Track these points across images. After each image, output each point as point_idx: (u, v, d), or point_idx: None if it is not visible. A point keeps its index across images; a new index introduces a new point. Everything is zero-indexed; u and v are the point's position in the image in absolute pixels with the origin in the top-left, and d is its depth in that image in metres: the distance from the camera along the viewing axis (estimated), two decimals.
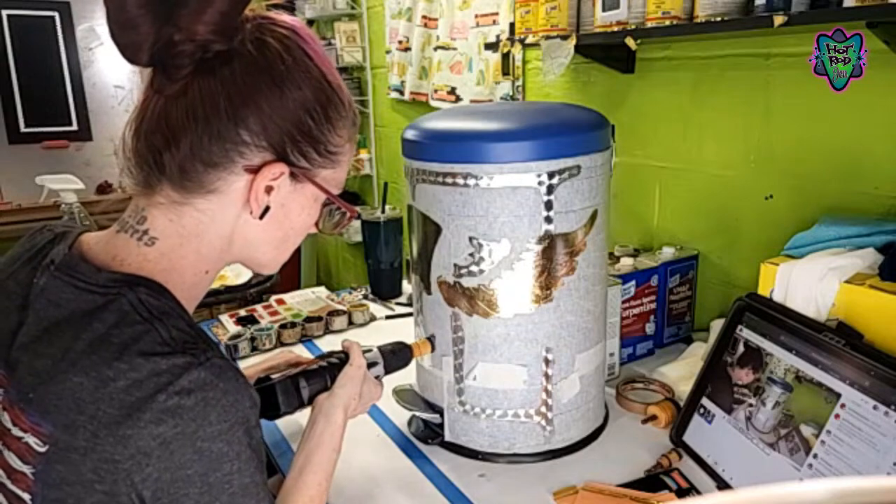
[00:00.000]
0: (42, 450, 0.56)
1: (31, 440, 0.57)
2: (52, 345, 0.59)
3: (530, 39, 1.47)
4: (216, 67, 0.62)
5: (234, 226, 0.67)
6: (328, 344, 1.43)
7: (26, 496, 0.57)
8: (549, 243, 0.90)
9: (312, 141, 0.67)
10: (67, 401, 0.56)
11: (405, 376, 1.14)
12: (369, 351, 0.95)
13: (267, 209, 0.67)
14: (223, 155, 0.63)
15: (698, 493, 0.91)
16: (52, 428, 0.56)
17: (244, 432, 0.59)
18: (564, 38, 1.39)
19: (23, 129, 3.60)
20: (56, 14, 3.61)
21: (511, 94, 1.98)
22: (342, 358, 0.91)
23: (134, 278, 0.62)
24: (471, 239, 0.91)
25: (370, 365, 0.93)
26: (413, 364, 1.10)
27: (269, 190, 0.66)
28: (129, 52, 0.60)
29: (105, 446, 0.54)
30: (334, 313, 1.53)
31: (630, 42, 1.25)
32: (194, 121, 0.61)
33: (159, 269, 0.64)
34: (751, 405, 0.91)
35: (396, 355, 0.98)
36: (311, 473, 0.78)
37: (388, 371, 0.97)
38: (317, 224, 0.74)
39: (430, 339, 1.01)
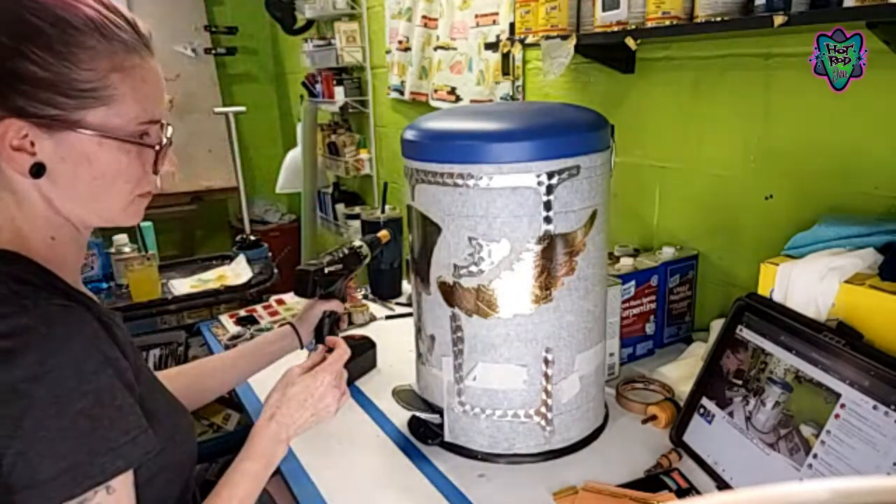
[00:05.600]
0: None
1: None
2: None
3: (530, 39, 1.47)
4: None
5: (32, 191, 0.66)
6: None
7: None
8: (548, 243, 0.90)
9: (46, 85, 0.62)
10: None
11: (405, 376, 1.15)
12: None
13: (40, 167, 0.64)
14: None
15: (698, 493, 0.91)
16: None
17: (65, 378, 0.59)
18: (564, 38, 1.39)
19: None
20: None
21: (511, 94, 1.98)
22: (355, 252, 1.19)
23: None
24: (470, 239, 0.91)
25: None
26: (413, 364, 1.10)
27: (20, 149, 0.63)
28: None
29: None
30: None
31: (630, 42, 1.25)
32: None
33: (5, 241, 0.66)
34: (751, 405, 0.91)
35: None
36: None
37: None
38: (155, 168, 0.71)
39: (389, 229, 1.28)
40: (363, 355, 1.29)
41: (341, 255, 1.16)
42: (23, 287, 0.62)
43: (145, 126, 0.69)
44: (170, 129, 0.74)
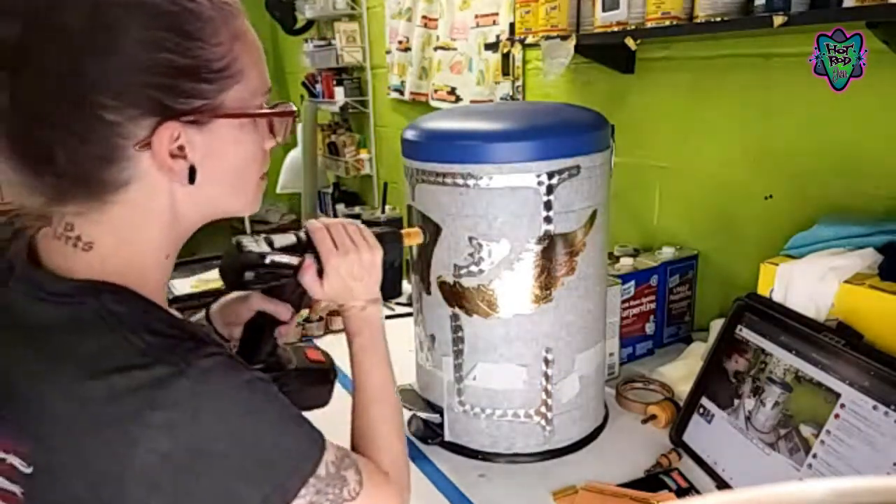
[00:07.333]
0: (27, 471, 0.53)
1: (16, 461, 0.53)
2: (19, 361, 0.54)
3: (530, 39, 1.47)
4: (20, 64, 0.50)
5: (172, 201, 0.58)
6: (328, 344, 1.43)
7: None
8: (548, 243, 0.90)
9: (187, 73, 0.53)
10: (44, 422, 0.52)
11: (405, 376, 1.14)
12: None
13: (193, 169, 0.56)
14: (105, 146, 0.52)
15: (698, 493, 0.91)
16: (30, 448, 0.52)
17: (246, 422, 0.55)
18: (564, 38, 1.39)
19: None
20: None
21: (511, 94, 1.98)
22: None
23: (94, 285, 0.54)
24: (470, 239, 0.91)
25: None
26: (413, 364, 1.10)
27: (177, 154, 0.55)
28: None
29: (97, 465, 0.51)
30: (334, 313, 1.53)
31: (630, 42, 1.25)
32: (50, 128, 0.51)
33: (113, 272, 0.56)
34: (750, 405, 0.91)
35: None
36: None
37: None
38: (275, 140, 0.64)
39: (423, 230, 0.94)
40: (313, 388, 0.84)
41: (298, 239, 0.75)
42: (156, 337, 0.52)
43: (263, 97, 0.60)
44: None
